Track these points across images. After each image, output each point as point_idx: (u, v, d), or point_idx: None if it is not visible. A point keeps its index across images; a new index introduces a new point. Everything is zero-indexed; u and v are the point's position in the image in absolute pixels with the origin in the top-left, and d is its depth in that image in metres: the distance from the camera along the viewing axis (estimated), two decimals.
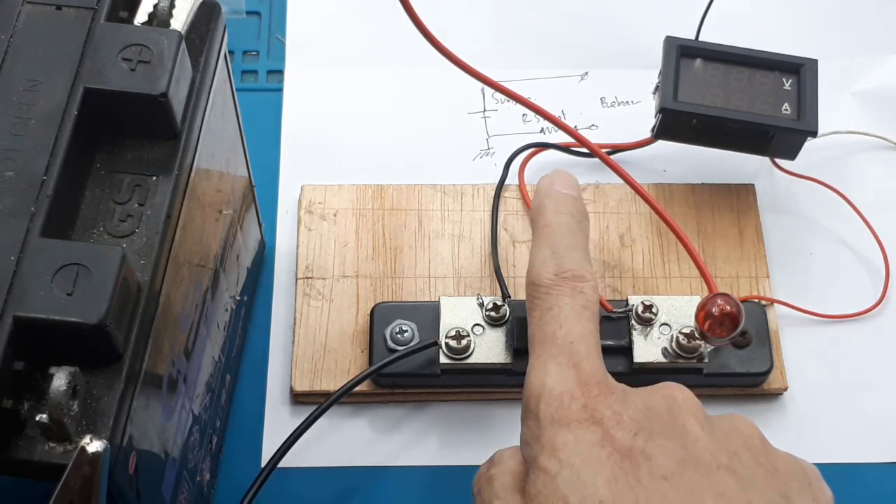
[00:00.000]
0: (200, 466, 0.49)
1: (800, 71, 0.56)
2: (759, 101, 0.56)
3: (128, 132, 0.40)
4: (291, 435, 0.50)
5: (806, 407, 0.55)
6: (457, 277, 0.57)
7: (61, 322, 0.34)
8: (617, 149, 0.60)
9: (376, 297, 0.56)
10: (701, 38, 0.59)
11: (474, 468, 0.54)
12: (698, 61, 0.56)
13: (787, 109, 0.55)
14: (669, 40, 0.57)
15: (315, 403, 0.51)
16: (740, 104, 0.56)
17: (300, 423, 0.50)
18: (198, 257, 0.44)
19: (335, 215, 0.58)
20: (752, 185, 0.60)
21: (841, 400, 0.55)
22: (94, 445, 0.34)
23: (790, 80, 0.56)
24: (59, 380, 0.34)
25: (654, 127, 0.57)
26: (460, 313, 0.53)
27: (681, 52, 0.56)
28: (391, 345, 0.53)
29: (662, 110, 0.55)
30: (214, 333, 0.49)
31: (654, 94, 0.56)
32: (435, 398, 0.55)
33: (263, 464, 0.53)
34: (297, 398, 0.54)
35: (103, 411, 0.35)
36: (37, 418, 0.34)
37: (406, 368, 0.52)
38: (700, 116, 0.55)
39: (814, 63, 0.57)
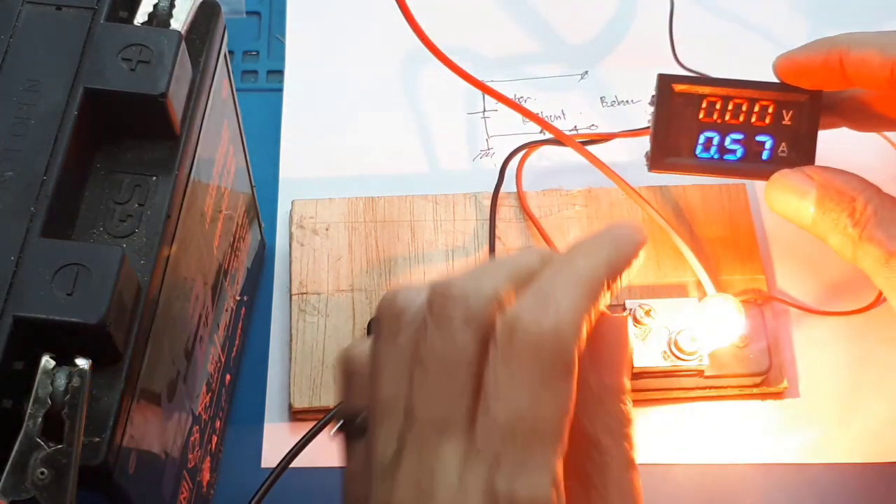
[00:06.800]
0: (200, 466, 0.49)
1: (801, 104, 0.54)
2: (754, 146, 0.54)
3: (128, 132, 0.40)
4: (292, 449, 0.49)
5: (806, 406, 0.55)
6: None
7: (61, 322, 0.34)
8: (607, 138, 0.60)
9: (372, 311, 0.56)
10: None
11: None
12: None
13: (783, 151, 0.54)
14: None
15: (314, 420, 0.50)
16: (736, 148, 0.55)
17: (299, 427, 0.50)
18: (197, 258, 0.44)
19: (327, 229, 0.58)
20: (744, 185, 0.60)
21: (841, 399, 0.55)
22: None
23: (790, 113, 0.54)
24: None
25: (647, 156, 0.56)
26: None
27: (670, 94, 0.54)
28: None
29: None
30: (214, 333, 0.49)
31: (650, 105, 0.56)
32: None
33: (263, 464, 0.53)
34: (296, 415, 0.54)
35: (103, 411, 0.35)
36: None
37: None
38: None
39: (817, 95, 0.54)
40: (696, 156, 0.54)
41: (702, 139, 0.54)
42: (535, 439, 0.33)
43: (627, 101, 0.64)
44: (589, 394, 0.36)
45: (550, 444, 0.34)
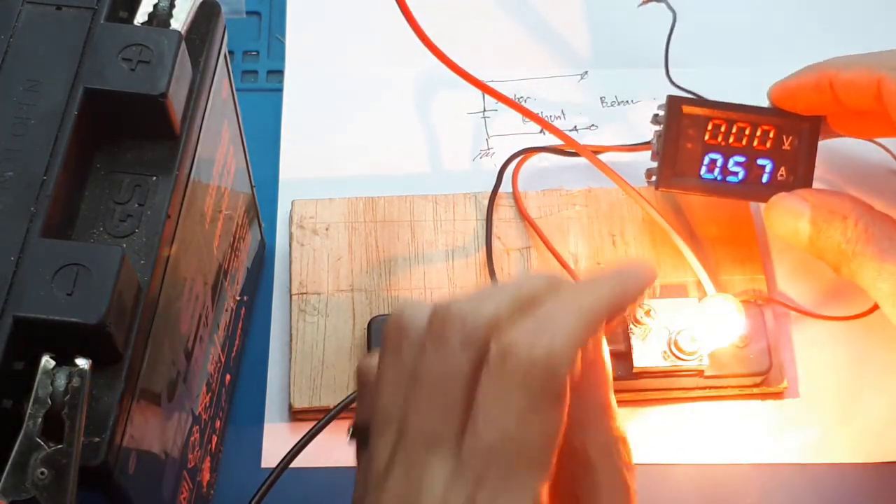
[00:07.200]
0: (200, 466, 0.49)
1: (801, 130, 0.55)
2: (755, 167, 0.55)
3: (128, 132, 0.40)
4: (292, 449, 0.49)
5: (806, 406, 0.55)
6: (452, 287, 0.57)
7: (61, 322, 0.34)
8: (602, 151, 0.59)
9: (372, 311, 0.56)
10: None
11: None
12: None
13: (782, 175, 0.55)
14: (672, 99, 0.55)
15: (314, 420, 0.51)
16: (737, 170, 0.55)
17: (299, 427, 0.50)
18: (198, 258, 0.44)
19: (327, 229, 0.58)
20: None
21: (841, 399, 0.55)
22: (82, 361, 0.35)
23: (790, 139, 0.55)
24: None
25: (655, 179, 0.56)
26: None
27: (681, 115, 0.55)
28: None
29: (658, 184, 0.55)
30: (214, 333, 0.49)
31: (653, 123, 0.56)
32: None
33: (263, 464, 0.53)
34: (296, 415, 0.54)
35: (103, 411, 0.35)
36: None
37: None
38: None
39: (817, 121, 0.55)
40: (700, 176, 0.55)
41: (706, 160, 0.55)
42: (519, 462, 0.34)
43: (627, 102, 0.64)
44: (581, 415, 0.37)
45: (535, 468, 0.34)
